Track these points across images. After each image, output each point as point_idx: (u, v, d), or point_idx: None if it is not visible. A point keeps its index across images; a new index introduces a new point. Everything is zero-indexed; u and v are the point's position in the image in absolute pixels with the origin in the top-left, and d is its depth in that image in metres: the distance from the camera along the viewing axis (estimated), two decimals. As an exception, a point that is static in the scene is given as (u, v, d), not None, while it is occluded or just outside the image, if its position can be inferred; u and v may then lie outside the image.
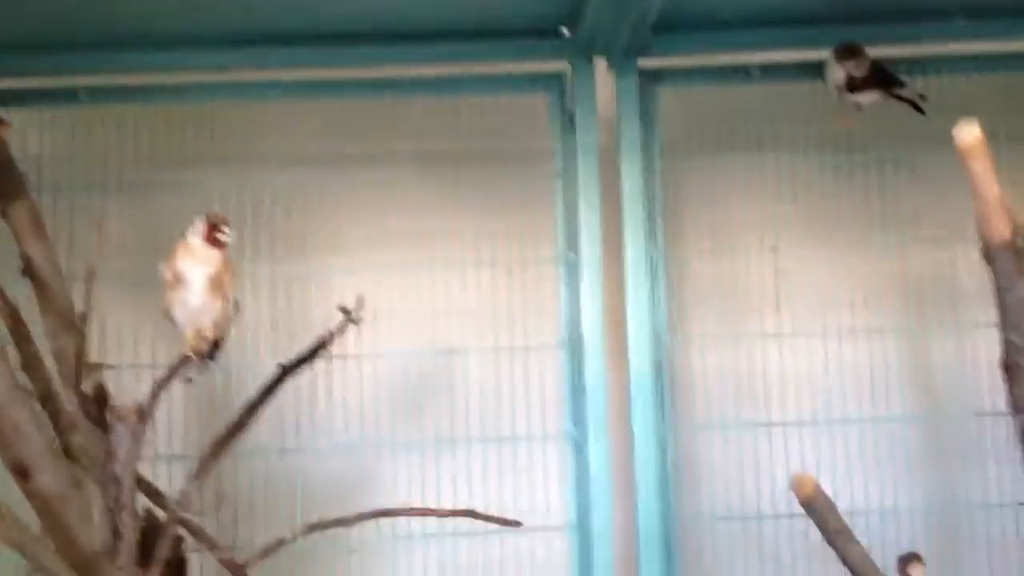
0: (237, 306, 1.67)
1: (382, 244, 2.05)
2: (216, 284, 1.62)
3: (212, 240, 1.63)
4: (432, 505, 1.94)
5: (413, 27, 1.92)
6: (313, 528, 1.70)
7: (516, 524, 1.77)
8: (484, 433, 2.03)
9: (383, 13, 1.87)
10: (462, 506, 1.86)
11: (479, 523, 1.76)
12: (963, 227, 1.91)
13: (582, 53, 1.94)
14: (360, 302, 1.67)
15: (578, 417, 1.96)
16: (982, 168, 1.34)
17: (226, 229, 1.63)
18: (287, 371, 1.66)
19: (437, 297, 2.03)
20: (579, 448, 1.95)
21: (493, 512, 1.79)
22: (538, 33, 1.96)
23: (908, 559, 1.70)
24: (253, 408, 1.68)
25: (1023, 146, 1.87)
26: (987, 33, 2.00)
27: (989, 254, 1.37)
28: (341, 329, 1.67)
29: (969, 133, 1.33)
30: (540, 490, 2.02)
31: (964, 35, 2.00)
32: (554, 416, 2.02)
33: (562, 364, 2.00)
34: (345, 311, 1.68)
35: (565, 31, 1.95)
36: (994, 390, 1.84)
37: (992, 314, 1.80)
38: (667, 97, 2.00)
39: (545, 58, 1.98)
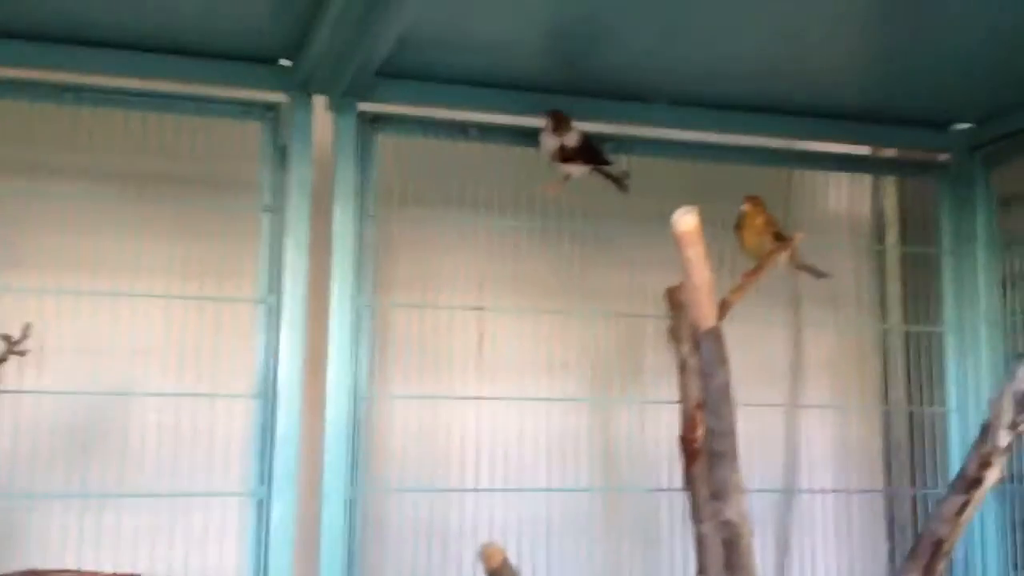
0: None
1: (63, 266, 1.79)
2: None
3: None
4: (91, 567, 1.67)
5: (126, 36, 1.69)
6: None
7: None
8: (158, 487, 1.80)
9: (98, 19, 1.63)
10: (125, 569, 1.64)
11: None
12: (651, 303, 1.98)
13: (301, 87, 1.79)
14: (26, 330, 1.45)
15: (264, 474, 1.76)
16: (696, 255, 1.33)
17: None
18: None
19: (118, 330, 1.79)
20: (262, 507, 1.76)
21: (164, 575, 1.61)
22: (259, 60, 1.78)
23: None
24: None
25: (710, 231, 1.95)
26: (686, 122, 2.04)
27: (696, 339, 1.37)
28: (2, 359, 1.46)
29: (687, 221, 1.32)
30: (215, 552, 1.81)
31: (666, 121, 2.03)
32: (238, 471, 1.83)
33: (252, 415, 1.80)
34: (8, 339, 1.46)
35: (286, 62, 1.79)
36: (671, 466, 1.90)
37: (673, 391, 1.87)
38: (385, 144, 1.89)
39: (263, 87, 1.80)
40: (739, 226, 1.94)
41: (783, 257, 1.96)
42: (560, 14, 1.69)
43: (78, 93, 1.74)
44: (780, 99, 2.03)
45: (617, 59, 1.85)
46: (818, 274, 2.02)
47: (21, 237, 1.78)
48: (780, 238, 1.95)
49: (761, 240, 1.94)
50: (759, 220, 1.94)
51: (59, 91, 1.73)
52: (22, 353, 1.46)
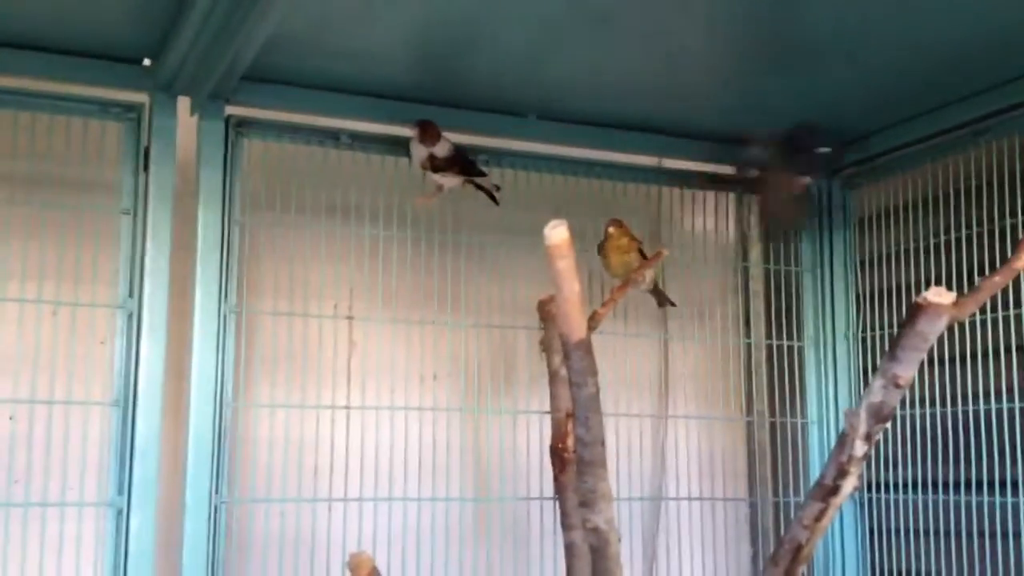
0: None
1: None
2: None
3: None
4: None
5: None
6: None
7: None
8: (10, 496, 1.68)
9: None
10: None
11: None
12: (523, 315, 1.96)
13: (164, 88, 1.69)
14: None
15: (121, 483, 1.65)
16: (566, 267, 1.31)
17: None
18: None
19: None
20: (121, 518, 1.65)
21: None
22: (121, 60, 1.68)
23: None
24: None
25: (581, 244, 1.93)
26: (557, 137, 2.02)
27: (567, 351, 1.34)
28: None
29: (558, 233, 1.29)
30: (70, 564, 1.68)
31: (537, 135, 2.01)
32: (95, 480, 1.71)
33: (110, 423, 1.68)
34: None
35: (149, 62, 1.69)
36: (542, 475, 1.89)
37: (544, 401, 1.86)
38: (253, 149, 1.80)
39: (124, 87, 1.70)
40: (603, 248, 1.94)
41: (649, 274, 1.97)
42: (430, 25, 1.65)
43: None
44: (650, 118, 2.03)
45: (489, 72, 1.82)
46: (664, 301, 2.05)
47: None
48: (644, 256, 1.95)
49: (626, 259, 1.94)
50: (623, 240, 1.94)
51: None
52: None
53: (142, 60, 1.69)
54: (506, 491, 1.99)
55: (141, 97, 1.71)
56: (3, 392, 1.69)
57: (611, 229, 1.92)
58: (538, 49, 1.72)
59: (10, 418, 1.71)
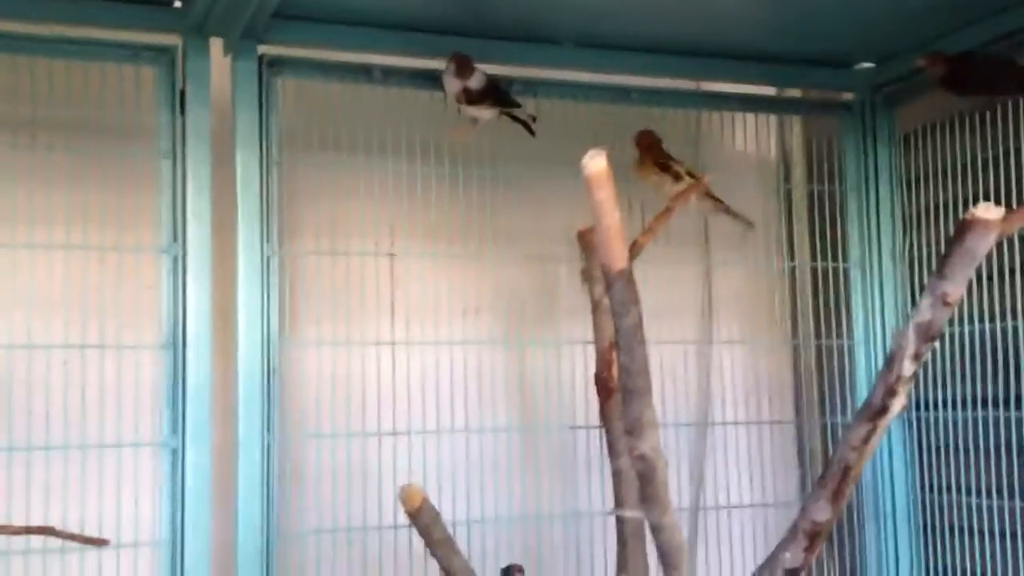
0: None
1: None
2: None
3: None
4: (3, 520, 1.60)
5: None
6: None
7: (102, 543, 1.50)
8: (66, 439, 1.69)
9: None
10: (39, 521, 1.56)
11: (58, 541, 1.48)
12: (563, 246, 1.93)
13: (197, 30, 1.67)
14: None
15: (176, 424, 1.68)
16: (606, 197, 1.28)
17: None
18: None
19: (17, 282, 1.66)
20: (176, 457, 1.68)
21: (75, 529, 1.52)
22: (151, 2, 1.65)
23: (510, 571, 1.65)
24: None
25: (621, 173, 1.90)
26: (592, 63, 1.98)
27: (608, 280, 1.33)
28: None
29: (596, 163, 1.27)
30: (129, 503, 1.71)
31: (571, 63, 1.97)
32: (149, 421, 1.73)
33: (162, 365, 1.70)
34: None
35: (179, 3, 1.66)
36: (587, 404, 1.89)
37: (587, 331, 1.85)
38: (287, 87, 1.78)
39: (156, 30, 1.68)
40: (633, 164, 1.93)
41: (692, 197, 1.94)
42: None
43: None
44: (686, 40, 1.97)
45: (520, 0, 1.77)
46: (743, 222, 2.01)
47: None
48: (666, 169, 1.90)
49: (654, 181, 1.91)
50: (643, 162, 1.91)
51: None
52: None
53: (173, 2, 1.66)
54: (552, 421, 2.01)
55: (174, 39, 1.70)
56: (56, 338, 1.70)
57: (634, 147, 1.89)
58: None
59: (64, 363, 1.72)
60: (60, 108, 1.70)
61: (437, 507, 1.51)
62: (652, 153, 1.92)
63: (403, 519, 1.52)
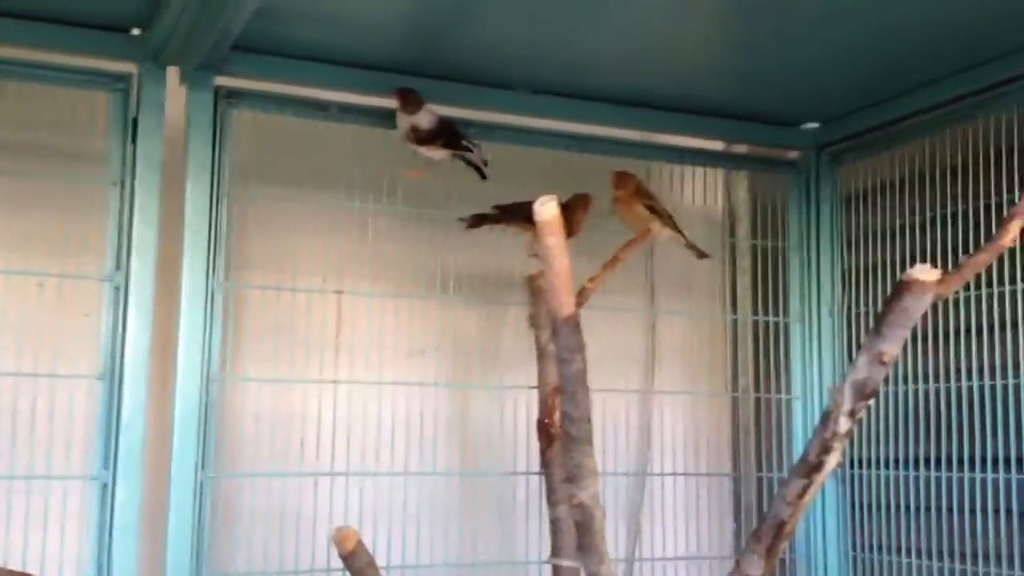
0: None
1: None
2: None
3: None
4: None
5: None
6: None
7: None
8: (-2, 469, 1.67)
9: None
10: None
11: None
12: (512, 290, 1.94)
13: (153, 58, 1.66)
14: None
15: (107, 457, 1.64)
16: (555, 243, 1.30)
17: None
18: None
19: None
20: (106, 492, 1.63)
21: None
22: (109, 29, 1.64)
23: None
24: None
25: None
26: (547, 111, 1.99)
27: (555, 327, 1.33)
28: None
29: (547, 209, 1.28)
30: (55, 537, 1.66)
31: (527, 109, 1.98)
32: (79, 454, 1.70)
33: (96, 396, 1.66)
34: None
35: (137, 32, 1.65)
36: (528, 450, 1.88)
37: (531, 376, 1.84)
38: (242, 119, 1.77)
39: (113, 57, 1.66)
40: (612, 205, 1.94)
41: (665, 231, 1.94)
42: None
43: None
44: (640, 93, 2.01)
45: (479, 44, 1.79)
46: (700, 254, 2.03)
47: None
48: (654, 210, 1.93)
49: (631, 211, 1.92)
50: (621, 193, 1.92)
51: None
52: None
53: (130, 29, 1.66)
54: (492, 466, 1.99)
55: (129, 67, 1.68)
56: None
57: (610, 178, 1.91)
58: (531, 22, 1.70)
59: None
60: (10, 130, 1.68)
61: (372, 551, 1.48)
62: (639, 194, 1.94)
63: (337, 562, 1.48)
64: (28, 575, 1.45)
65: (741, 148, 2.30)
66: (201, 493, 1.67)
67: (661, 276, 2.23)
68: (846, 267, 2.18)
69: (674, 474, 2.18)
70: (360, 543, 1.48)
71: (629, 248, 1.88)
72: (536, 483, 1.80)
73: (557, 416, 1.70)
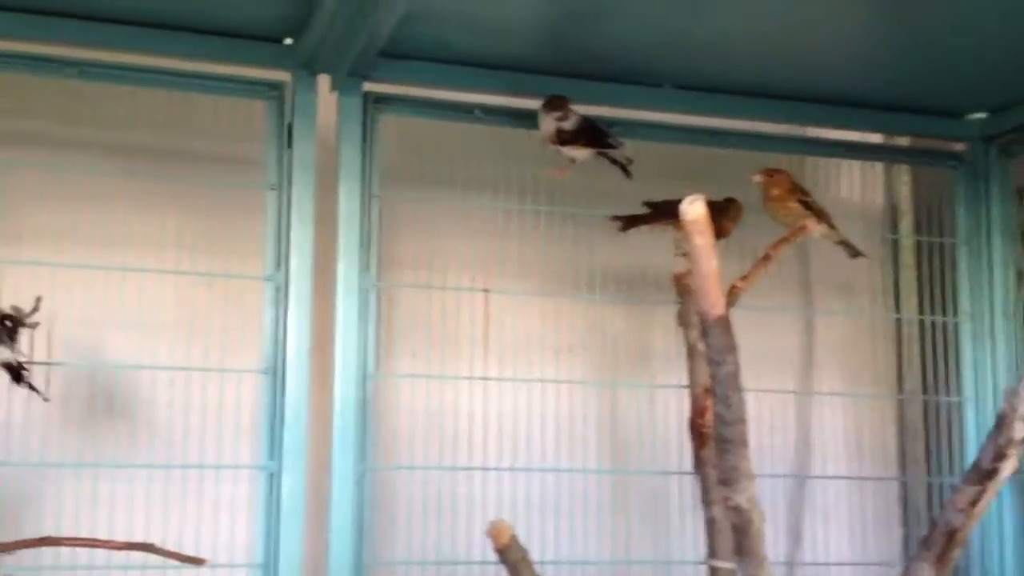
0: None
1: (68, 239, 1.69)
2: None
3: None
4: (104, 535, 1.58)
5: (133, 12, 1.60)
6: (-37, 550, 1.37)
7: (199, 562, 1.48)
8: (168, 458, 1.71)
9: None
10: (139, 538, 1.53)
11: (157, 558, 1.46)
12: (658, 288, 1.87)
13: (306, 67, 1.68)
14: (37, 303, 1.39)
15: (273, 449, 1.66)
16: (704, 243, 1.23)
17: None
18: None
19: (127, 305, 1.68)
20: (273, 481, 1.66)
21: (173, 547, 1.50)
22: (263, 39, 1.68)
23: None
24: None
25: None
26: (693, 106, 1.92)
27: (705, 328, 1.28)
28: (13, 332, 1.40)
29: (695, 209, 1.23)
30: (226, 525, 1.71)
31: (672, 105, 1.91)
32: (247, 445, 1.72)
33: (261, 390, 1.69)
34: (17, 311, 1.40)
35: (290, 41, 1.68)
36: (680, 449, 1.81)
37: (682, 375, 1.75)
38: (389, 124, 1.77)
39: (267, 66, 1.69)
40: (763, 204, 1.83)
41: (816, 229, 1.82)
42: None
43: (82, 68, 1.64)
44: (791, 85, 1.90)
45: (622, 42, 1.73)
46: (854, 252, 1.91)
47: (29, 210, 1.69)
48: (809, 207, 1.82)
49: (785, 207, 1.81)
50: (775, 191, 1.82)
51: (63, 66, 1.63)
52: (33, 325, 1.40)
53: (283, 40, 1.68)
54: (644, 464, 1.93)
55: (283, 76, 1.70)
56: (163, 359, 1.72)
57: (759, 177, 1.81)
58: (672, 17, 1.63)
59: (170, 383, 1.74)
60: (175, 139, 1.73)
61: (525, 545, 1.46)
62: (793, 191, 1.83)
63: (491, 555, 1.47)
64: (201, 560, 1.51)
65: (902, 141, 2.14)
66: (361, 484, 1.67)
67: (818, 274, 2.11)
68: (1021, 264, 2.02)
69: (836, 477, 2.07)
70: (514, 537, 1.45)
71: (781, 246, 1.77)
72: (690, 482, 1.74)
73: (709, 416, 1.65)
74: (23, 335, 1.43)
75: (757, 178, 1.82)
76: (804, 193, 1.84)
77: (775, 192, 1.82)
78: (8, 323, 1.40)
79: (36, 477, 1.66)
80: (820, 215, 1.84)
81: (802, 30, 1.67)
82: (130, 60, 1.66)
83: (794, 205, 1.82)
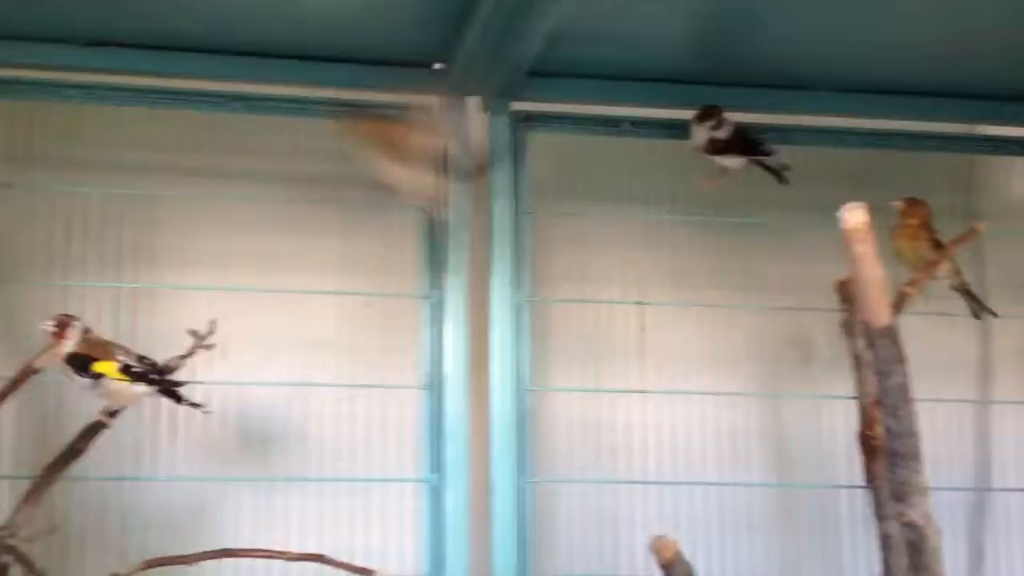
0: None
1: (236, 264, 1.74)
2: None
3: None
4: (278, 547, 1.61)
5: (283, 46, 1.65)
6: (151, 564, 1.43)
7: (369, 572, 1.49)
8: (337, 472, 1.74)
9: (254, 29, 1.60)
10: (310, 549, 1.56)
11: (329, 568, 1.49)
12: (820, 296, 1.76)
13: (456, 89, 1.69)
14: (212, 326, 1.43)
15: (435, 462, 1.68)
16: (866, 251, 1.15)
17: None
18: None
19: (292, 325, 1.74)
20: (436, 494, 1.67)
21: (343, 558, 1.52)
22: (412, 65, 1.69)
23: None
24: (91, 432, 1.44)
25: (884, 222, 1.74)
26: (851, 109, 1.83)
27: (870, 338, 1.21)
28: (190, 353, 1.44)
29: (855, 216, 1.17)
30: (393, 537, 1.73)
31: (829, 108, 1.83)
32: (410, 459, 1.74)
33: (421, 405, 1.72)
34: (196, 335, 1.44)
35: (439, 66, 1.69)
36: (849, 462, 1.71)
37: (848, 385, 1.66)
38: (538, 141, 1.76)
39: (418, 90, 1.68)
40: (893, 230, 1.70)
41: (947, 266, 1.72)
42: (708, 1, 1.54)
43: (247, 102, 1.70)
44: (956, 82, 1.78)
45: (772, 46, 1.67)
46: (978, 309, 1.78)
47: (201, 238, 1.76)
48: (939, 246, 1.69)
49: (914, 245, 1.69)
50: (913, 221, 1.70)
51: (229, 100, 1.70)
52: (209, 347, 1.45)
53: (433, 64, 1.70)
54: (811, 478, 1.83)
55: (434, 99, 1.70)
56: (328, 377, 1.75)
57: (899, 203, 1.70)
58: (825, 16, 1.55)
59: (337, 401, 1.77)
60: (332, 164, 1.75)
61: (691, 560, 1.40)
62: (925, 227, 1.72)
63: (654, 570, 1.41)
64: (371, 570, 1.53)
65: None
66: (521, 497, 1.66)
67: (995, 277, 1.97)
68: None
69: (1020, 490, 1.93)
70: (679, 552, 1.39)
71: (951, 249, 1.67)
72: (860, 496, 1.66)
73: (879, 427, 1.56)
74: (199, 355, 1.48)
75: (897, 204, 1.70)
76: (934, 231, 1.72)
77: (911, 222, 1.71)
78: (147, 362, 1.45)
79: (216, 492, 1.72)
80: (949, 257, 1.71)
81: (964, 24, 1.57)
82: (289, 92, 1.71)
83: (922, 243, 1.70)
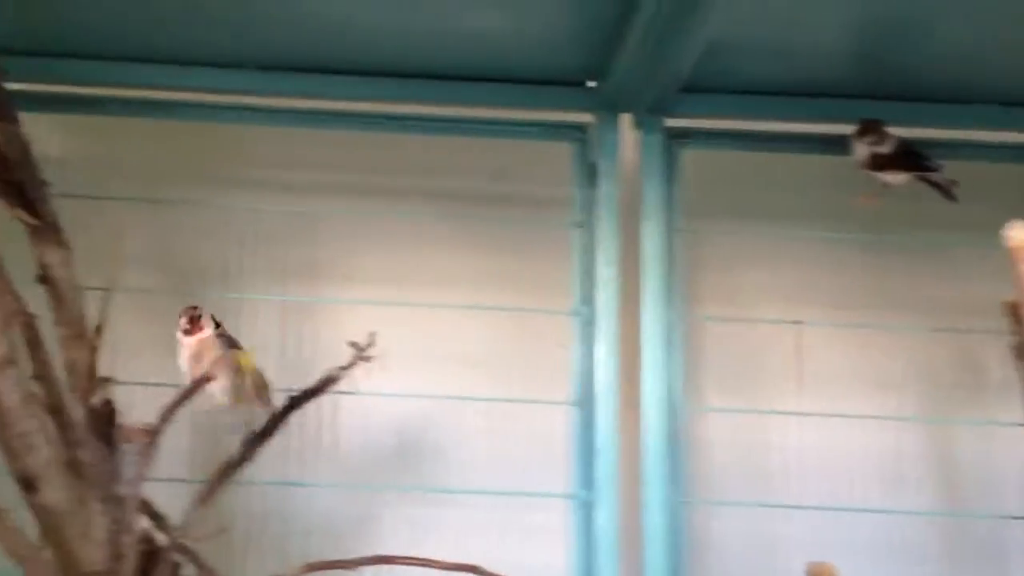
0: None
1: (391, 280, 1.78)
2: (196, 358, 1.54)
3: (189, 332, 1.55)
4: (430, 556, 1.67)
5: (438, 66, 1.69)
6: (312, 568, 1.45)
7: None
8: (488, 485, 1.75)
9: (410, 51, 1.64)
10: (462, 559, 1.57)
11: (482, 579, 1.46)
12: (990, 318, 1.71)
13: (608, 107, 1.68)
14: (371, 338, 1.46)
15: (585, 478, 1.66)
16: (1030, 271, 1.12)
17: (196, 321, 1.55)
18: (295, 403, 1.46)
19: (443, 339, 1.76)
20: (586, 510, 1.65)
21: (493, 569, 1.50)
22: (565, 84, 1.70)
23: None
24: (259, 438, 1.48)
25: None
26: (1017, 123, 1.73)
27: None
28: (351, 365, 1.47)
29: (1022, 234, 1.12)
30: (542, 550, 1.71)
31: (999, 123, 1.74)
32: (560, 475, 1.72)
33: (570, 421, 1.70)
34: (356, 347, 1.48)
35: (592, 84, 1.69)
36: (1021, 492, 1.64)
37: (1020, 412, 1.59)
38: (691, 158, 1.73)
39: (571, 109, 1.72)
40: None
41: None
42: (867, 17, 1.48)
43: (403, 122, 1.74)
44: None
45: (935, 58, 1.59)
46: None
47: (358, 254, 1.80)
48: None
49: None
50: None
51: (384, 120, 1.74)
52: (368, 359, 1.48)
53: (586, 82, 1.69)
54: (980, 507, 1.73)
55: (587, 117, 1.71)
56: (476, 390, 1.76)
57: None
58: (992, 29, 1.48)
59: (485, 414, 1.78)
60: (486, 183, 1.79)
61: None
62: None
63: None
64: (519, 585, 1.54)
65: None
66: (675, 517, 1.62)
67: None
68: None
69: None
70: (837, 578, 1.38)
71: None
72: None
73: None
74: (360, 368, 1.53)
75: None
76: None
77: None
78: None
79: (372, 501, 1.76)
80: None
81: None
82: (444, 112, 1.74)
83: None
